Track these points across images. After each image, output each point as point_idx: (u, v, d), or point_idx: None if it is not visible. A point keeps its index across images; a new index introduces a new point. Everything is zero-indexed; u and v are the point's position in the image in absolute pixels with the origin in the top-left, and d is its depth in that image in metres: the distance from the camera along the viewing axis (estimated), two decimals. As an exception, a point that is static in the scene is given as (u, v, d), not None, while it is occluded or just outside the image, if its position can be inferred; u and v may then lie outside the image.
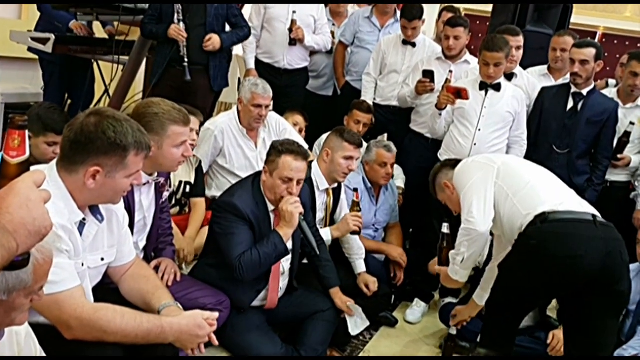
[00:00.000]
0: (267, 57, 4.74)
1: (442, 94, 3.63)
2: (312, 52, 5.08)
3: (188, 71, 3.95)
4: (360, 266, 3.45)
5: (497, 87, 3.63)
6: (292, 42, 4.61)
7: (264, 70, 4.69)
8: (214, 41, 4.00)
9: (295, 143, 2.83)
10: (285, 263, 2.88)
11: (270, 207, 2.79)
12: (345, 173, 3.32)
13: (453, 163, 3.00)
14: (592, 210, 2.46)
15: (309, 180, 3.27)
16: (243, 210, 2.68)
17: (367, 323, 3.07)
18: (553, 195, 2.46)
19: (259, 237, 2.70)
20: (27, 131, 1.20)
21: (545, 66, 4.36)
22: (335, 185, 3.42)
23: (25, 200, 0.99)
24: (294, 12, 4.57)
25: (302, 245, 2.95)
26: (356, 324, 2.97)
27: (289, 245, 2.76)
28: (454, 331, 3.22)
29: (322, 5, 4.86)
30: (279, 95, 4.62)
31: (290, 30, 4.57)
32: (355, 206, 3.31)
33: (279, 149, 2.73)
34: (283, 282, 2.92)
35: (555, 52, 4.10)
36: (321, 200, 3.38)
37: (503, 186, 2.55)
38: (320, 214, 3.39)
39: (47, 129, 2.68)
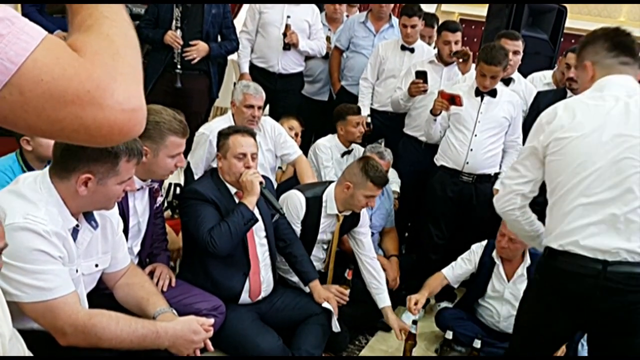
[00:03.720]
0: (261, 61, 4.75)
1: (436, 100, 3.64)
2: (308, 58, 5.09)
3: (179, 78, 3.97)
4: (384, 300, 3.32)
5: (493, 93, 3.64)
6: (286, 46, 4.61)
7: (258, 74, 4.70)
8: (198, 48, 4.03)
9: (240, 125, 3.04)
10: (259, 248, 2.91)
11: (233, 190, 2.87)
12: (363, 207, 3.26)
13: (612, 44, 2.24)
14: (614, 252, 1.99)
15: (316, 200, 3.24)
16: (204, 193, 2.76)
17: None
18: (575, 224, 2.05)
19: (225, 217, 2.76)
20: None
21: (549, 73, 4.36)
22: (349, 212, 3.33)
23: None
24: (288, 16, 4.58)
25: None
26: (335, 323, 2.98)
27: (262, 231, 2.91)
28: (449, 335, 3.22)
29: (317, 11, 4.87)
30: (273, 100, 4.64)
31: (285, 34, 4.58)
32: (344, 282, 3.23)
33: (225, 132, 2.87)
34: (266, 273, 2.94)
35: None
36: (327, 223, 3.32)
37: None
38: (324, 236, 3.35)
39: None
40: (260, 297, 2.92)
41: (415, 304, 3.20)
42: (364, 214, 3.40)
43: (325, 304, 2.95)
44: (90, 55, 0.76)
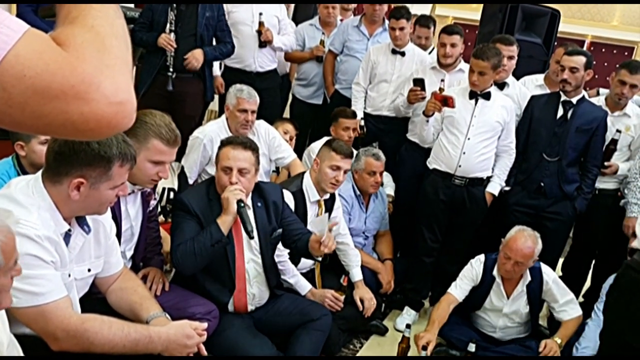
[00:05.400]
0: (236, 62, 4.70)
1: (429, 101, 3.64)
2: (303, 61, 5.09)
3: (171, 81, 3.96)
4: (356, 274, 3.45)
5: (487, 96, 3.64)
6: (262, 44, 4.61)
7: (235, 76, 4.64)
8: (195, 56, 4.01)
9: (240, 136, 2.92)
10: (250, 266, 2.84)
11: None
12: (333, 184, 3.30)
13: None
14: None
15: (299, 192, 3.27)
16: (188, 204, 2.69)
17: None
18: None
19: None
20: None
21: (542, 76, 4.37)
22: (327, 196, 3.40)
23: None
24: (260, 13, 4.58)
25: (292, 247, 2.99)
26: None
27: (256, 247, 2.82)
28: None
29: (284, 6, 4.86)
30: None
31: (259, 32, 4.57)
32: (340, 288, 3.21)
33: (222, 141, 2.81)
34: (257, 287, 2.88)
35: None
36: (312, 211, 3.36)
37: None
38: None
39: None
40: (248, 311, 2.88)
41: (425, 346, 3.01)
42: (337, 196, 3.52)
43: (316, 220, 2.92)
44: (74, 48, 0.74)
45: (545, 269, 3.35)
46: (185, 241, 2.60)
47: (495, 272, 3.34)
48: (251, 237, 2.66)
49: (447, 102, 3.55)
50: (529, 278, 3.30)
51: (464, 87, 3.76)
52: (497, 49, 3.59)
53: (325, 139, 4.27)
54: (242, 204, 2.63)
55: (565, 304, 3.32)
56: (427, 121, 3.70)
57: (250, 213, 2.74)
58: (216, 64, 4.72)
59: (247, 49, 4.64)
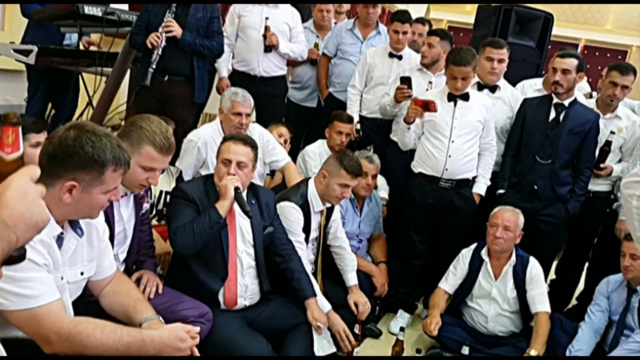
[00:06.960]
0: (242, 65, 4.73)
1: (410, 108, 3.61)
2: (297, 64, 5.10)
3: (150, 77, 3.88)
4: (351, 279, 3.45)
5: (466, 97, 3.64)
6: (267, 49, 4.62)
7: (239, 79, 4.68)
8: (175, 26, 3.91)
9: (242, 133, 3.09)
10: (244, 256, 2.87)
11: None
12: (339, 198, 3.30)
13: None
14: None
15: (306, 202, 3.27)
16: (188, 192, 2.80)
17: (334, 349, 3.00)
18: None
19: None
20: (20, 127, 1.19)
21: (540, 80, 4.38)
22: (329, 205, 3.40)
23: (23, 194, 1.01)
24: (266, 18, 4.59)
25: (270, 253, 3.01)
26: (322, 346, 2.94)
27: (249, 239, 2.88)
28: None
29: (297, 14, 4.87)
30: (258, 106, 4.61)
31: (264, 36, 4.58)
32: (353, 336, 3.10)
33: (225, 137, 2.94)
34: (250, 280, 2.89)
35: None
36: (315, 220, 3.35)
37: None
38: (314, 234, 3.38)
39: (25, 132, 2.63)
40: (237, 307, 2.87)
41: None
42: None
43: (320, 324, 2.90)
44: None
45: (532, 260, 3.44)
46: (184, 224, 2.69)
47: (483, 252, 3.45)
48: (249, 217, 2.78)
49: (428, 106, 3.52)
50: (514, 259, 3.40)
51: (440, 89, 3.76)
52: (471, 50, 3.60)
53: (320, 141, 4.30)
54: (239, 190, 2.75)
55: (539, 294, 3.37)
56: (409, 128, 3.69)
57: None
58: (225, 67, 4.73)
59: (253, 53, 4.66)
